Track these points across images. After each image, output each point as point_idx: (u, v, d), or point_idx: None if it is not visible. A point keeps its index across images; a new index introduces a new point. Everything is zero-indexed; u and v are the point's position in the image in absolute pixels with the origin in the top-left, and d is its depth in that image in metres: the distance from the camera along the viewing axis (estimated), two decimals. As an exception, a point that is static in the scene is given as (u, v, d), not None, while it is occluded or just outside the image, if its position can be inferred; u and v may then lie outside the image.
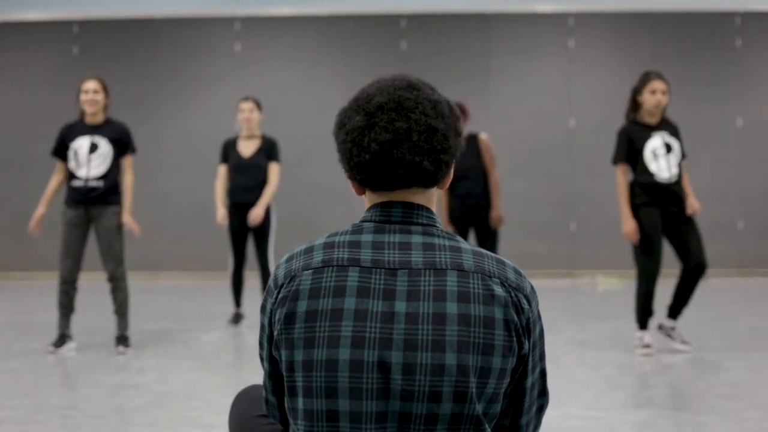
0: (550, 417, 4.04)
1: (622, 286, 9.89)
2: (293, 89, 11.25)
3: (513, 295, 1.53)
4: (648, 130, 5.73)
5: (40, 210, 6.05)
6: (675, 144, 5.75)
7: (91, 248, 10.41)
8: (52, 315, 7.62)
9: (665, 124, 5.81)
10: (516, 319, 1.52)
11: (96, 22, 11.39)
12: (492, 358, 1.49)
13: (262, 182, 7.01)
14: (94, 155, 5.92)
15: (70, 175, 5.96)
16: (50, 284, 10.31)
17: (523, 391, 1.60)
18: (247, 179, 6.99)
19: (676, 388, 4.69)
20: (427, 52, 11.16)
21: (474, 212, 6.76)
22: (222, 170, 7.16)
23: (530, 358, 1.58)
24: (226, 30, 11.35)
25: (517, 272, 1.58)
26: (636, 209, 5.71)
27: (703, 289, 9.71)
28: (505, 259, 1.60)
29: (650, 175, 5.67)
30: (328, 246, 1.55)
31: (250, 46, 11.32)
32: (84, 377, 5.10)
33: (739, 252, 11.09)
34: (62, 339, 5.92)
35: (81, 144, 5.93)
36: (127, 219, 5.94)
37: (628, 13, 11.17)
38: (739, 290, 9.61)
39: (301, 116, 11.07)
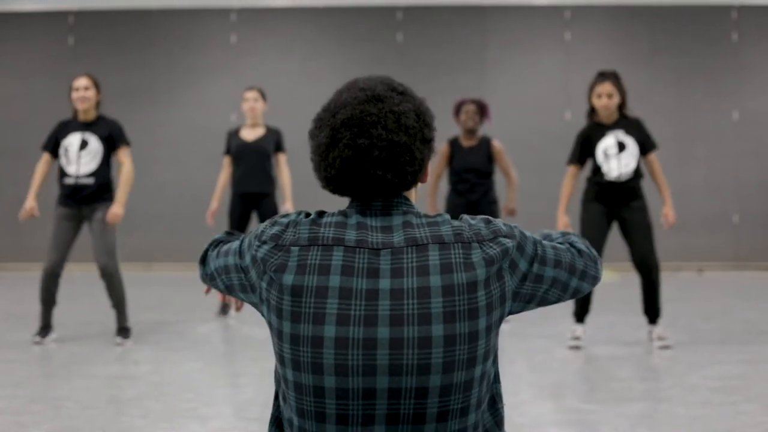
0: (544, 411, 4.04)
1: (619, 279, 9.90)
2: (289, 81, 11.23)
3: (492, 246, 1.58)
4: (603, 130, 5.79)
5: (30, 202, 5.97)
6: (630, 141, 5.73)
7: (86, 239, 10.40)
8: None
9: (622, 122, 5.79)
10: (496, 271, 1.57)
11: (91, 13, 11.35)
12: (478, 320, 1.54)
13: (264, 168, 6.92)
14: (84, 152, 5.89)
15: (61, 173, 5.93)
16: (45, 275, 10.29)
17: (551, 284, 1.66)
18: (248, 164, 6.91)
19: (671, 382, 4.69)
20: (423, 44, 11.14)
21: (472, 212, 6.75)
22: (227, 161, 7.14)
23: (532, 274, 1.62)
24: (222, 21, 11.32)
25: (504, 225, 1.64)
26: (583, 204, 5.83)
27: (698, 282, 9.72)
28: (490, 218, 1.65)
29: (601, 174, 5.76)
30: (315, 224, 1.61)
31: (245, 37, 11.29)
32: (78, 368, 5.09)
33: (734, 245, 11.11)
34: (45, 329, 5.90)
35: (72, 141, 5.91)
36: (116, 209, 5.76)
37: (624, 5, 11.16)
38: (734, 284, 9.62)
39: (296, 108, 11.04)
